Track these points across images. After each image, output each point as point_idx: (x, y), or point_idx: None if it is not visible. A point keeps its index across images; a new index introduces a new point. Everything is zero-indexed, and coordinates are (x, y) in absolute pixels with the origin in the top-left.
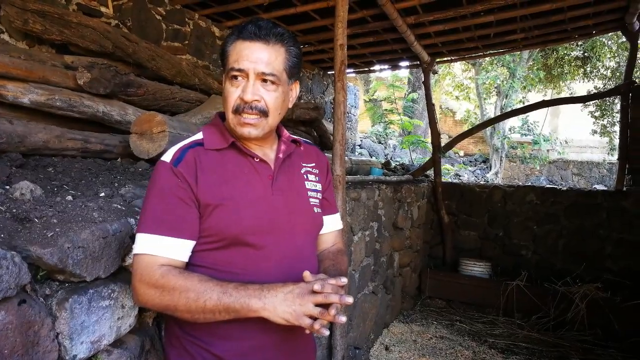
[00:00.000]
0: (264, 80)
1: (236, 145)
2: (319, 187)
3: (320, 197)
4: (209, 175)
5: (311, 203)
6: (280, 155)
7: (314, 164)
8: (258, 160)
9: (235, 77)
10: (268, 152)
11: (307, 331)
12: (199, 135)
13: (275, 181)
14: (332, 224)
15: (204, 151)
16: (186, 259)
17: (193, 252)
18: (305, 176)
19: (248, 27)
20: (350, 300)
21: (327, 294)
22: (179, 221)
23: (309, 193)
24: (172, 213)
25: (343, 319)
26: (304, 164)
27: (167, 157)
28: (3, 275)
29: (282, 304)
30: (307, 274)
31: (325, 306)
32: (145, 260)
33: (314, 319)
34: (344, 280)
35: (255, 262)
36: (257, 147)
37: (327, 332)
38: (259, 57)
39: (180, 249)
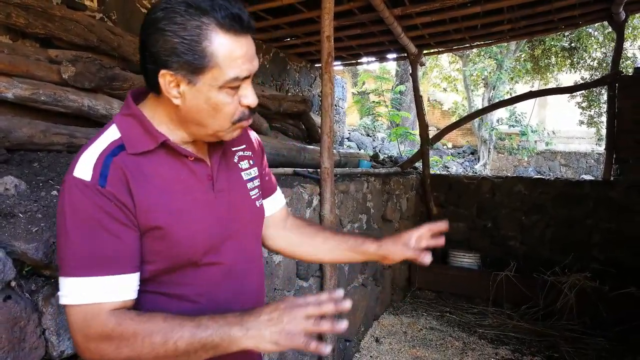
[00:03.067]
0: None
1: (167, 145)
2: (254, 172)
3: (258, 184)
4: (142, 189)
5: (252, 197)
6: (215, 144)
7: (244, 146)
8: (193, 159)
9: (237, 86)
10: (200, 146)
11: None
12: (113, 133)
13: (217, 182)
14: (279, 201)
15: (128, 157)
16: (136, 295)
17: None
18: (239, 165)
19: (231, 15)
20: (347, 305)
21: (320, 302)
22: (121, 252)
23: (248, 185)
24: (112, 244)
25: (343, 326)
26: (234, 149)
27: (84, 171)
28: None
29: (267, 326)
30: None
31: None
32: (89, 311)
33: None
34: (339, 294)
35: (207, 279)
36: (189, 143)
37: (327, 350)
38: (253, 54)
39: (128, 286)
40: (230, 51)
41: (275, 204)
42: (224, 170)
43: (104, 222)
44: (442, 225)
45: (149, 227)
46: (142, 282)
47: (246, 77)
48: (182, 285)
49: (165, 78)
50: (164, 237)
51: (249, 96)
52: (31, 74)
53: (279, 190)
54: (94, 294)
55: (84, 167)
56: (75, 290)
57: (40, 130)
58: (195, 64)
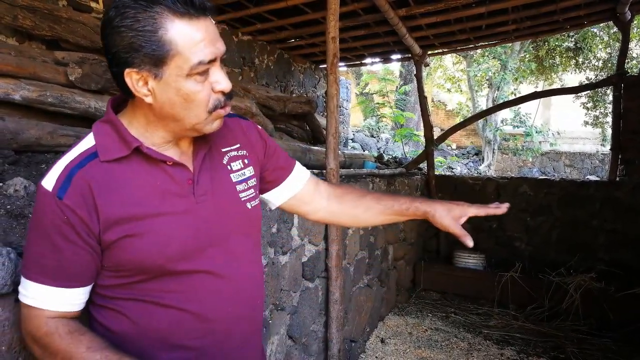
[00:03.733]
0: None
1: (141, 151)
2: (248, 172)
3: (254, 184)
4: (111, 198)
5: (242, 199)
6: (200, 145)
7: (238, 145)
8: (171, 163)
9: (205, 71)
10: (185, 148)
11: None
12: (89, 141)
13: (198, 185)
14: (301, 176)
15: (100, 165)
16: (79, 307)
17: (114, 286)
18: (228, 167)
19: None
20: None
21: None
22: (66, 268)
23: (238, 187)
24: (57, 258)
25: None
26: (224, 149)
27: (49, 181)
28: None
29: None
30: None
31: None
32: (30, 311)
33: None
34: None
35: (191, 287)
36: (170, 146)
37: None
38: (215, 36)
39: (69, 299)
40: (189, 36)
41: (297, 181)
42: (208, 173)
43: (52, 234)
44: (502, 209)
45: (114, 236)
46: (125, 290)
47: (212, 61)
48: (165, 294)
49: (131, 77)
50: (133, 245)
51: (221, 81)
52: (38, 76)
53: (297, 165)
54: (32, 297)
55: (51, 177)
56: (22, 289)
57: (47, 131)
58: (155, 55)
